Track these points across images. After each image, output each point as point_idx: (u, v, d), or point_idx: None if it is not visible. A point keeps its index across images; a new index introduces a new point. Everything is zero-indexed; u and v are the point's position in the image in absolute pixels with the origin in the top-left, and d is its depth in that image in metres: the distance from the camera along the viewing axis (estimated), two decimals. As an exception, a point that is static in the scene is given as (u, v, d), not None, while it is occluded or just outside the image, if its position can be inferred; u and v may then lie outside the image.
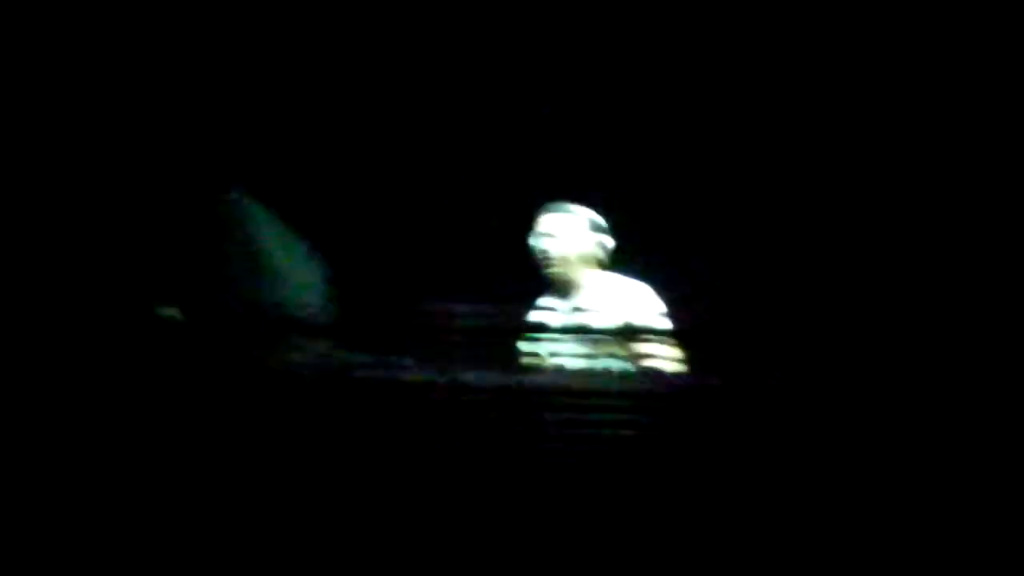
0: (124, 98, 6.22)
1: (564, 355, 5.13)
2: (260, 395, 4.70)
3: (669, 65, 6.51)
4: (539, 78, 6.61)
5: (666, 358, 4.96)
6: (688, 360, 4.88)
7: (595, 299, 5.54)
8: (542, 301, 5.61)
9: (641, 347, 5.10)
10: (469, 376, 4.66)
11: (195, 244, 5.28)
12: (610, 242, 5.66)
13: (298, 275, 5.35)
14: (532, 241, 5.63)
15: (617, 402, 4.57)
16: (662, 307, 5.45)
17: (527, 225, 5.72)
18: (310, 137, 6.58)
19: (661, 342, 5.04)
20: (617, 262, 5.69)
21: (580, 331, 5.25)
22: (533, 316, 5.51)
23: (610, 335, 5.17)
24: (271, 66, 6.53)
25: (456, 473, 4.57)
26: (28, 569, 4.61)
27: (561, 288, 5.62)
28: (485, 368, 5.00)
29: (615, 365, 5.12)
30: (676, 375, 4.79)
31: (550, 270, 5.60)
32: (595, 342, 5.16)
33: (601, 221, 5.67)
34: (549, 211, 5.65)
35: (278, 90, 6.55)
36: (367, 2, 6.61)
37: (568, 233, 5.61)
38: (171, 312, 5.04)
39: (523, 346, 5.27)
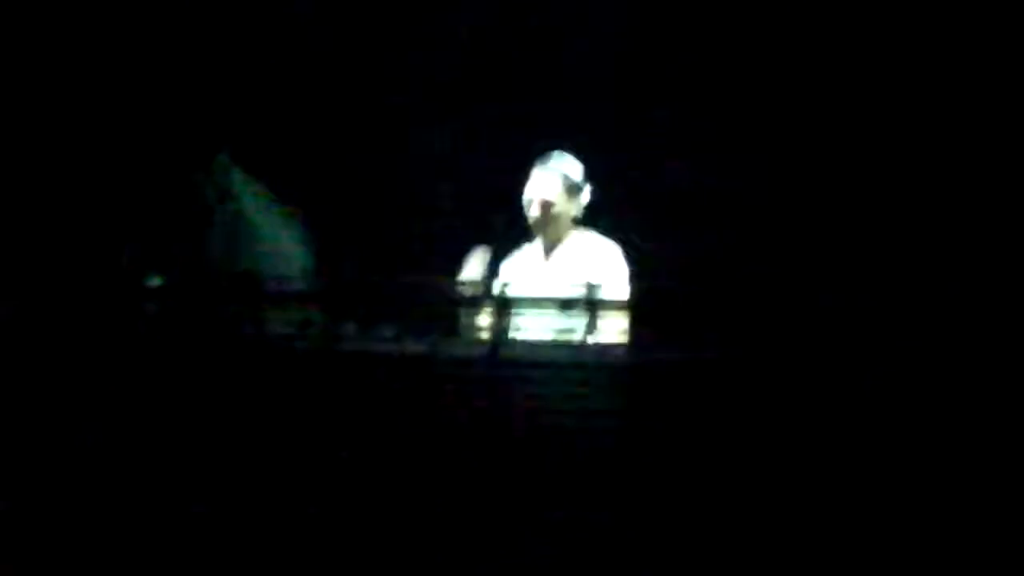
0: (110, 65, 6.21)
1: (537, 326, 5.10)
2: (242, 364, 4.71)
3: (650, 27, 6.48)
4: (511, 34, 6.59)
5: (630, 329, 4.93)
6: (650, 331, 4.86)
7: (573, 263, 5.52)
8: (519, 263, 5.56)
9: (611, 318, 5.08)
10: (449, 347, 4.67)
11: (179, 211, 5.28)
12: (588, 194, 5.64)
13: (281, 243, 5.35)
14: (525, 202, 5.58)
15: (590, 376, 4.58)
16: (627, 271, 5.43)
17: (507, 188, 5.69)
18: (296, 105, 6.57)
19: (625, 313, 5.00)
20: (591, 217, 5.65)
21: (552, 303, 5.22)
22: (510, 284, 5.47)
23: (581, 306, 5.13)
24: (258, 34, 6.52)
25: (434, 445, 4.58)
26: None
27: (545, 248, 5.59)
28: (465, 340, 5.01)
29: (590, 336, 5.11)
30: (645, 347, 4.77)
31: (541, 232, 5.57)
32: (569, 312, 5.12)
33: (583, 174, 5.63)
34: (538, 168, 5.62)
35: (265, 58, 6.54)
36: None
37: (560, 193, 5.59)
38: (155, 280, 5.04)
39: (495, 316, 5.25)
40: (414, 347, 4.69)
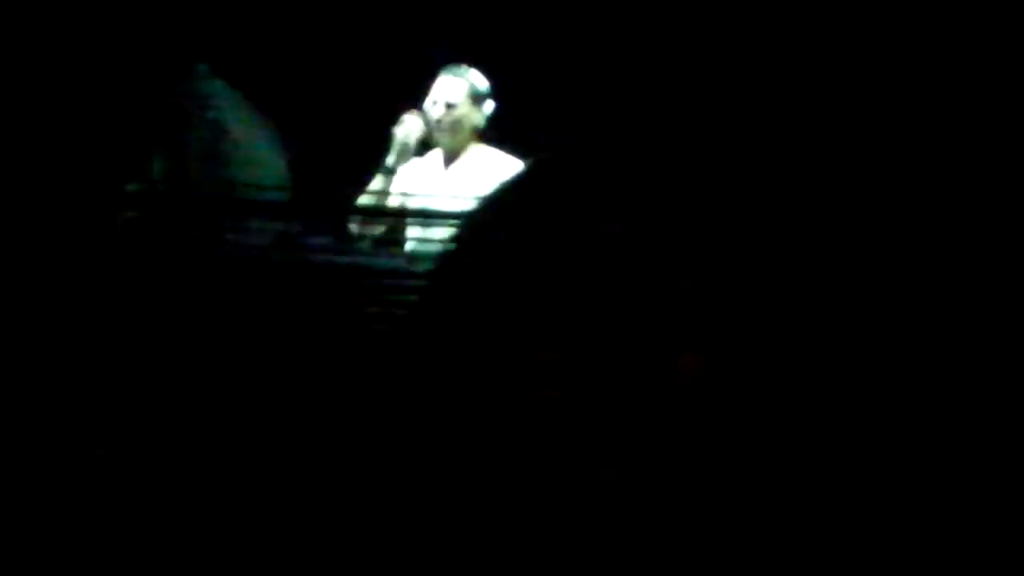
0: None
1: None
2: (218, 274, 4.74)
3: None
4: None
5: None
6: None
7: (471, 175, 5.47)
8: (418, 172, 5.52)
9: None
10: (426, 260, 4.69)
11: (158, 121, 5.29)
12: (491, 107, 5.63)
13: (260, 155, 5.36)
14: (427, 106, 5.55)
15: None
16: None
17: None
18: (278, 16, 6.56)
19: None
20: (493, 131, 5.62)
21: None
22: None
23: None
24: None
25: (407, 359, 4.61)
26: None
27: (444, 159, 5.58)
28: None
29: None
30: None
31: (441, 139, 5.55)
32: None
33: (487, 86, 5.61)
34: (444, 73, 5.59)
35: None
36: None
37: (464, 98, 5.56)
38: (134, 187, 5.06)
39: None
40: (388, 260, 4.72)
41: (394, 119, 6.39)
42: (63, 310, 4.74)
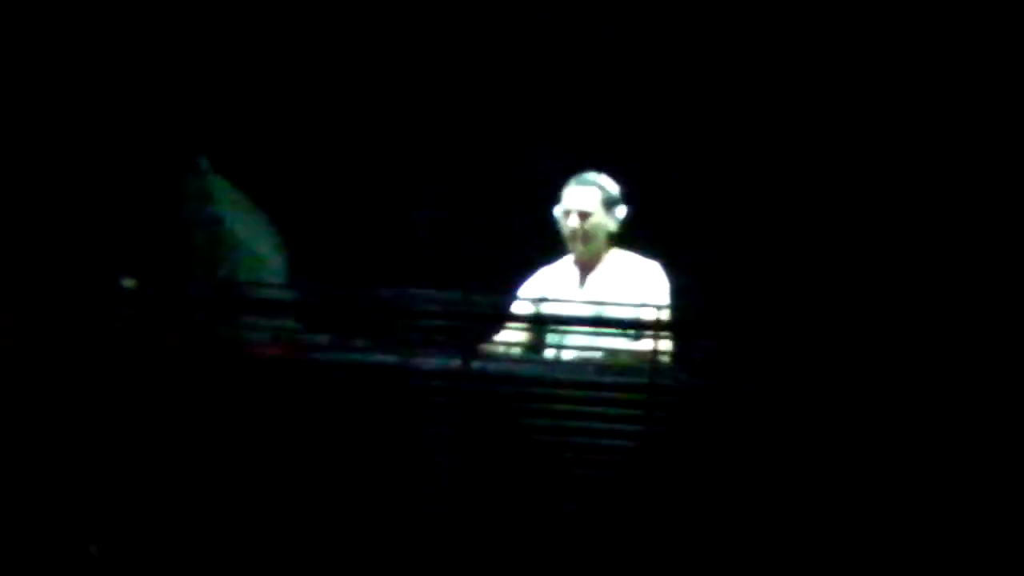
0: (90, 69, 6.22)
1: (571, 346, 5.07)
2: (216, 372, 4.72)
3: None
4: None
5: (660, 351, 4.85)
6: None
7: (612, 283, 5.47)
8: (553, 281, 5.54)
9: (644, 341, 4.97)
10: (423, 361, 4.67)
11: (158, 217, 5.29)
12: (624, 212, 5.58)
13: (259, 251, 5.36)
14: (559, 215, 5.56)
15: (565, 392, 4.60)
16: (668, 291, 5.39)
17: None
18: (277, 113, 6.59)
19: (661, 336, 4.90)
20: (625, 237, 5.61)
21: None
22: (540, 303, 5.44)
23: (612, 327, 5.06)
24: (240, 43, 6.54)
25: (405, 457, 4.60)
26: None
27: (580, 266, 5.58)
28: (445, 354, 4.99)
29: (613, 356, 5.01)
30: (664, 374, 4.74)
31: (576, 248, 5.55)
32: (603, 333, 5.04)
33: (619, 191, 5.57)
34: (574, 183, 5.55)
35: (247, 65, 6.55)
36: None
37: (598, 206, 5.52)
38: (131, 284, 5.05)
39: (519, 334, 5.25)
40: (385, 358, 4.70)
41: (394, 218, 6.43)
42: (60, 404, 4.73)
